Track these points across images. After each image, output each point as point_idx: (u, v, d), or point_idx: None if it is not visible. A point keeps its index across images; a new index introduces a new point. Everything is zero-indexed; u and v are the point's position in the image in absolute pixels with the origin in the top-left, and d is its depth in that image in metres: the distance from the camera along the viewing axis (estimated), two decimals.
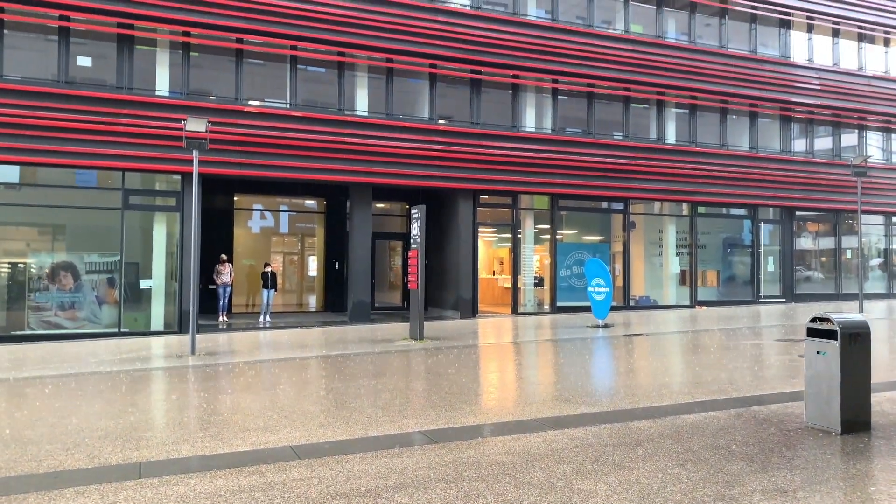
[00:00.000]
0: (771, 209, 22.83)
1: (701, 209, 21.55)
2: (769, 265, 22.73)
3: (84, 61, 15.26)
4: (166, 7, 15.02)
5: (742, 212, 22.52)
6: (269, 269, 17.97)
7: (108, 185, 15.14)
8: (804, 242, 23.78)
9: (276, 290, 18.22)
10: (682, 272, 21.42)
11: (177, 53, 15.60)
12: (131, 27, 15.04)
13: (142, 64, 15.34)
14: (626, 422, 6.40)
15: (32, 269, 14.51)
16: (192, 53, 15.73)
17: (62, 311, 14.50)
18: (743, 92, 21.50)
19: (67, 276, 14.59)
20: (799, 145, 23.28)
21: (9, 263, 14.50)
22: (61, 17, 14.52)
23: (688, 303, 21.11)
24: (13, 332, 14.07)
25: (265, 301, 17.78)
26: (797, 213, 23.09)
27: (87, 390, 8.59)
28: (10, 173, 14.44)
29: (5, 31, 14.30)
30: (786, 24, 22.64)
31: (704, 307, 20.85)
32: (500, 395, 8.05)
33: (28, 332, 14.17)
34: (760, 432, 5.98)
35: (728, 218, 22.69)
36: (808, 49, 23.08)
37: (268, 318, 17.60)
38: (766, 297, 22.30)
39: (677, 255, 21.37)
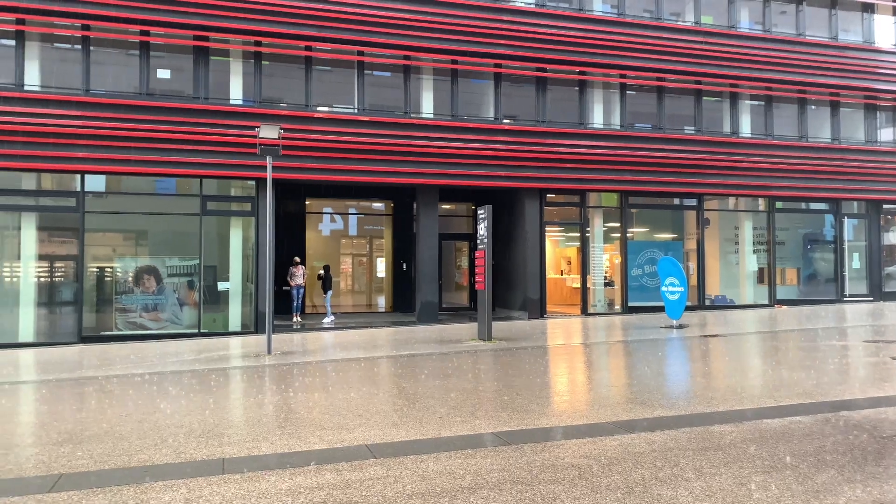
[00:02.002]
0: (855, 203, 21.73)
1: (779, 204, 20.70)
2: (854, 262, 21.63)
3: (163, 73, 15.94)
4: (239, 18, 15.53)
5: (823, 206, 21.51)
6: (322, 271, 18.43)
7: (186, 191, 15.77)
8: (893, 237, 22.51)
9: (331, 292, 18.57)
10: (760, 270, 20.64)
11: (249, 63, 16.11)
12: (206, 39, 15.62)
13: (216, 74, 15.91)
14: (705, 426, 6.21)
15: (118, 273, 15.25)
16: (263, 62, 16.21)
17: (146, 312, 15.18)
18: (823, 81, 20.55)
19: (150, 280, 15.28)
20: (885, 135, 22.06)
21: (97, 267, 15.29)
22: (142, 33, 15.21)
23: (766, 302, 20.32)
24: (102, 333, 14.84)
25: (325, 302, 18.25)
26: (884, 206, 21.89)
27: (171, 388, 8.96)
28: (98, 183, 15.23)
29: (91, 48, 15.09)
30: (869, 8, 21.50)
31: (784, 306, 20.03)
32: (573, 398, 7.94)
33: (115, 332, 14.91)
34: (851, 439, 5.69)
35: (808, 213, 21.70)
36: (893, 33, 21.84)
37: (327, 319, 17.88)
38: (851, 295, 21.23)
39: (754, 252, 20.61)
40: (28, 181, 14.87)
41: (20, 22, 14.56)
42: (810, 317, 17.13)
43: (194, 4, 15.27)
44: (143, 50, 15.35)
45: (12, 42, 14.71)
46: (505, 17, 17.62)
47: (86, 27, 14.91)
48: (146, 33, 15.26)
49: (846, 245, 21.50)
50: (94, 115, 14.64)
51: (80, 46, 15.07)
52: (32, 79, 14.79)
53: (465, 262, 22.18)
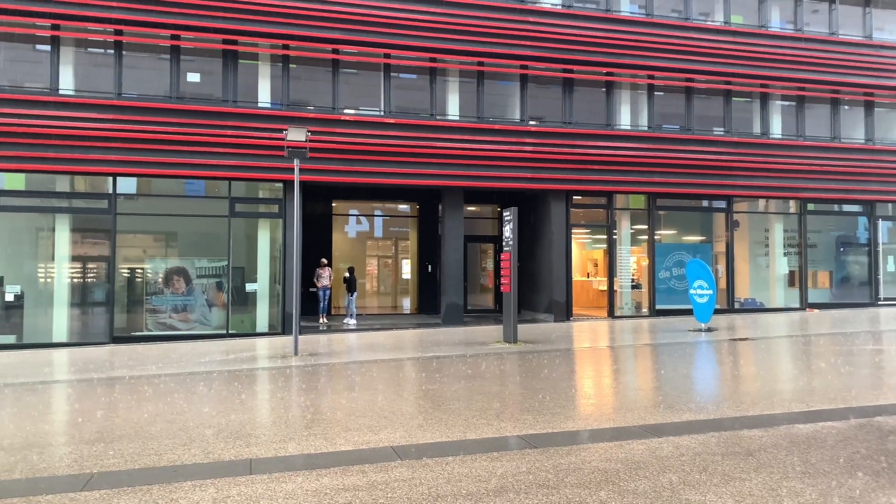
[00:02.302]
0: (890, 205, 21.26)
1: (810, 206, 20.33)
2: (889, 265, 21.15)
3: (193, 77, 16.16)
4: (267, 22, 15.70)
5: (857, 208, 21.07)
6: (348, 273, 18.50)
7: (215, 193, 15.97)
8: None
9: (356, 293, 18.63)
10: (791, 273, 20.28)
11: (277, 66, 16.27)
12: (235, 43, 15.81)
13: (245, 77, 16.09)
14: (734, 430, 6.11)
15: (149, 274, 15.50)
16: (291, 66, 16.36)
17: (175, 313, 15.40)
18: (857, 80, 20.16)
19: (180, 281, 15.49)
20: None
21: (128, 268, 15.55)
22: (173, 37, 15.45)
23: (797, 305, 19.97)
24: (133, 333, 15.09)
25: (347, 304, 18.32)
26: None
27: (200, 388, 9.07)
28: (129, 185, 15.50)
29: (123, 53, 15.37)
30: None
31: (816, 310, 19.66)
32: (599, 401, 7.88)
33: (146, 332, 15.15)
34: (887, 445, 5.56)
35: (841, 215, 21.27)
36: None
37: (352, 320, 17.95)
38: (886, 299, 20.76)
39: (785, 255, 20.26)
40: (62, 183, 15.18)
41: (55, 28, 14.88)
42: (843, 321, 16.78)
43: (224, 9, 15.47)
44: (174, 54, 15.59)
45: (48, 47, 15.04)
46: (531, 19, 17.57)
47: (118, 32, 15.19)
48: (177, 37, 15.49)
49: (881, 248, 21.04)
50: (125, 119, 14.91)
51: (112, 51, 15.36)
52: (67, 83, 15.10)
53: (490, 264, 22.15)
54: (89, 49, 15.79)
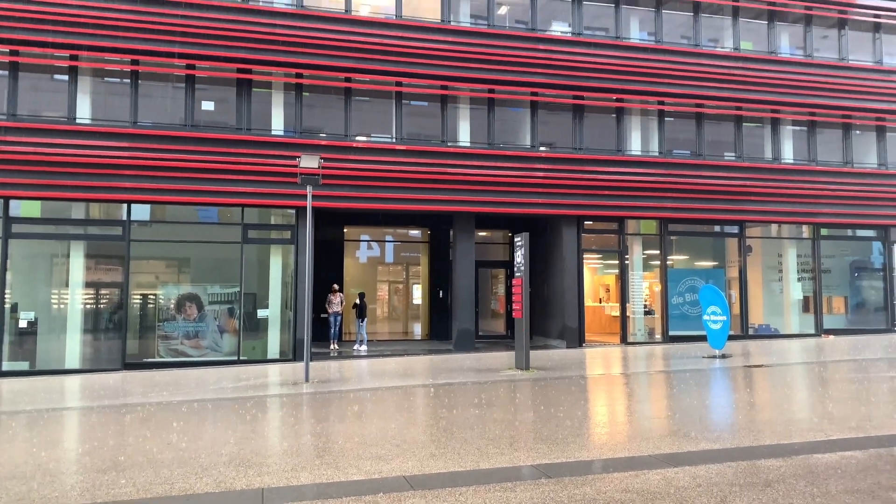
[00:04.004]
0: None
1: (824, 231, 20.19)
2: None
3: (207, 105, 16.38)
4: (281, 51, 15.92)
5: (871, 233, 20.90)
6: (358, 300, 18.47)
7: (228, 220, 16.08)
8: None
9: (366, 319, 18.59)
10: (805, 298, 20.08)
11: (290, 94, 16.47)
12: (249, 71, 16.03)
13: (258, 105, 16.29)
14: (752, 460, 6.01)
15: (161, 300, 15.56)
16: (304, 94, 16.56)
17: (187, 339, 15.43)
18: (868, 105, 20.14)
19: (192, 307, 15.54)
20: None
21: (141, 295, 15.63)
22: (188, 66, 15.69)
23: (812, 331, 19.74)
24: (145, 360, 15.11)
25: (357, 330, 18.27)
26: None
27: (211, 416, 9.05)
28: (143, 211, 15.64)
29: (139, 82, 15.62)
30: None
31: (832, 336, 19.42)
32: (613, 430, 7.79)
33: (157, 359, 15.17)
34: None
35: (855, 240, 21.11)
36: None
37: (363, 347, 17.91)
38: None
39: (799, 280, 20.09)
40: (77, 210, 15.34)
41: (73, 58, 15.16)
42: (860, 347, 16.56)
43: (238, 38, 15.72)
44: (189, 83, 15.82)
45: (66, 77, 15.31)
46: (541, 47, 17.73)
47: (135, 62, 15.45)
48: (192, 67, 15.73)
49: None
50: (140, 147, 15.09)
51: (128, 80, 15.61)
52: (84, 112, 15.34)
53: (501, 290, 22.08)
54: (106, 78, 16.06)
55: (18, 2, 14.64)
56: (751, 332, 19.32)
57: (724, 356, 14.64)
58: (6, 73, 14.95)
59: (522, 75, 17.56)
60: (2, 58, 14.85)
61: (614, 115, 18.78)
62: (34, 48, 14.82)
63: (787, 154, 19.96)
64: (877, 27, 20.82)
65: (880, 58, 20.75)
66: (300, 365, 14.25)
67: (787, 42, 20.35)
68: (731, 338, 16.47)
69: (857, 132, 20.72)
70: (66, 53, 15.07)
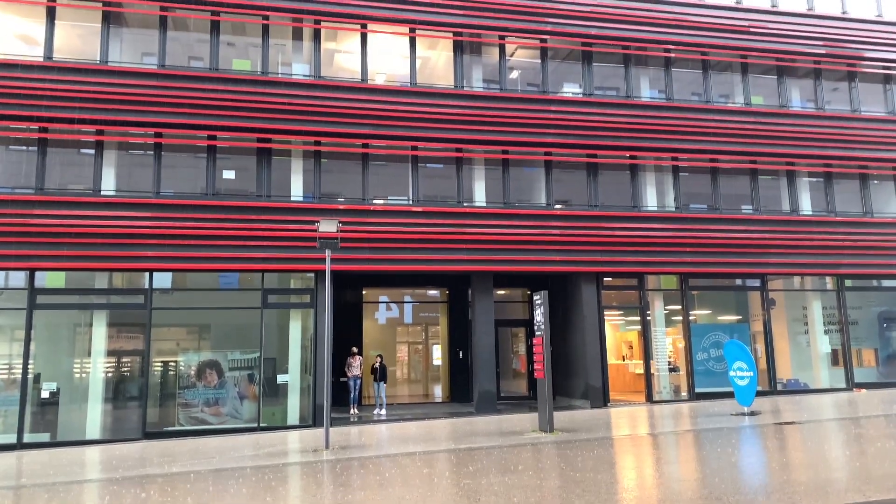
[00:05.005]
0: None
1: (848, 282, 19.89)
2: None
3: (228, 174, 16.74)
4: (299, 120, 16.34)
5: None
6: (377, 362, 18.33)
7: (248, 285, 16.21)
8: None
9: (385, 383, 18.43)
10: (834, 351, 19.63)
11: (309, 161, 16.82)
12: (269, 140, 16.44)
13: (278, 172, 16.63)
14: None
15: (181, 367, 15.57)
16: (322, 160, 16.90)
17: (207, 406, 15.35)
18: (884, 155, 20.12)
19: (213, 374, 15.52)
20: None
21: (161, 362, 15.66)
22: (209, 137, 16.13)
23: (843, 385, 19.21)
24: (165, 429, 15.02)
25: (377, 393, 18.06)
26: None
27: (232, 486, 8.91)
28: (165, 279, 15.83)
29: (162, 153, 16.05)
30: None
31: (864, 390, 18.88)
32: (642, 493, 7.54)
33: (177, 427, 15.07)
34: None
35: (882, 290, 20.73)
36: None
37: (382, 411, 17.70)
38: None
39: (826, 332, 19.67)
40: (101, 280, 15.56)
41: (99, 132, 15.66)
42: (893, 401, 16.06)
43: (258, 109, 16.18)
44: (210, 153, 16.23)
45: (91, 151, 15.78)
46: (553, 108, 18.04)
47: (158, 134, 15.91)
48: (213, 137, 16.17)
49: None
50: (163, 216, 15.40)
51: (152, 152, 16.04)
52: (108, 183, 15.73)
53: (522, 349, 21.85)
54: (130, 151, 16.53)
55: (47, 81, 15.25)
56: (779, 387, 18.85)
57: (752, 413, 14.26)
58: (35, 148, 15.45)
59: (536, 136, 17.82)
60: (31, 135, 15.39)
61: (628, 172, 18.90)
62: (62, 125, 15.34)
63: (805, 206, 19.88)
64: (887, 79, 20.99)
65: (892, 108, 20.83)
66: (320, 431, 14.08)
67: (797, 95, 20.54)
68: (759, 394, 16.09)
69: (875, 182, 20.64)
70: (93, 129, 15.57)
